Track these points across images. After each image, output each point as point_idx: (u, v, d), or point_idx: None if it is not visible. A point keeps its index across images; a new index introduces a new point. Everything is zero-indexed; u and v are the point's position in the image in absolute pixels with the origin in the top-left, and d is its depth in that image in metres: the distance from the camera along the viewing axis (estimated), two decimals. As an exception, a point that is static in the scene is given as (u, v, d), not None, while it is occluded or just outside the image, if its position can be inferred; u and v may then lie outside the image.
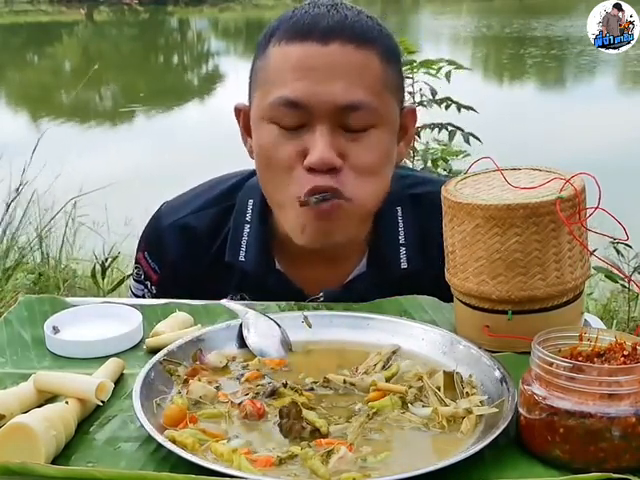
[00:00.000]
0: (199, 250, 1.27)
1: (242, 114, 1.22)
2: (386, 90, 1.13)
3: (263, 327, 1.03)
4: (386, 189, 1.18)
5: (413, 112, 1.23)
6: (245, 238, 1.24)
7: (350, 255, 1.24)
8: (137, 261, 1.33)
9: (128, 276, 3.15)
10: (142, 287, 1.32)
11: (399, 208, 1.24)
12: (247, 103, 1.20)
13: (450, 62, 3.26)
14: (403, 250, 1.23)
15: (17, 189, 3.49)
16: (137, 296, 1.32)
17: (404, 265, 1.23)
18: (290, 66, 1.10)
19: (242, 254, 1.24)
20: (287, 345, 1.02)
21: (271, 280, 1.24)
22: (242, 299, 1.22)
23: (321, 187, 1.09)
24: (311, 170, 1.10)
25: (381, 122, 1.12)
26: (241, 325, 1.03)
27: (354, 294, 1.19)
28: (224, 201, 1.28)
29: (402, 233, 1.24)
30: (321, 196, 1.09)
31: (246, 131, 1.22)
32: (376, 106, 1.10)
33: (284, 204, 1.14)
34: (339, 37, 1.08)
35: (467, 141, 3.24)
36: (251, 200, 1.26)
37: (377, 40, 1.13)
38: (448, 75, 3.23)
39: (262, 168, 1.16)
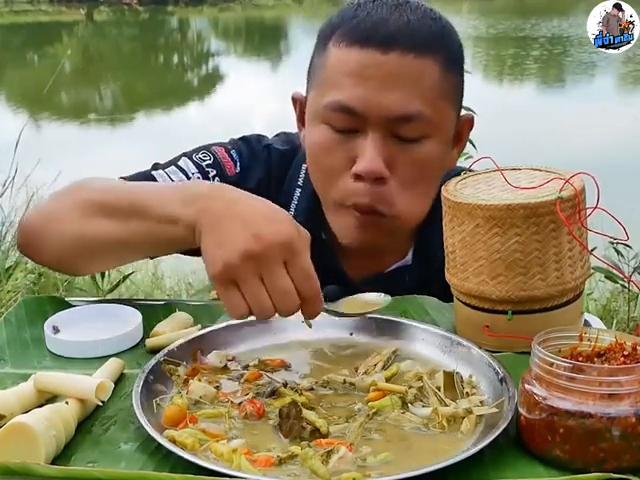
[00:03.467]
0: (270, 186, 1.25)
1: (298, 104, 1.22)
2: (443, 99, 1.12)
3: None
4: (432, 199, 1.17)
5: (470, 121, 1.22)
6: (295, 202, 1.24)
7: (395, 245, 1.24)
8: (209, 150, 1.27)
9: (127, 276, 3.15)
10: (196, 171, 1.23)
11: None
12: (304, 94, 1.20)
13: None
14: None
15: (4, 183, 3.48)
16: (170, 179, 1.22)
17: None
18: (348, 71, 1.09)
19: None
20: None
21: (315, 248, 1.21)
22: None
23: (361, 205, 1.11)
24: (358, 177, 1.10)
25: (435, 132, 1.11)
26: None
27: (396, 284, 1.18)
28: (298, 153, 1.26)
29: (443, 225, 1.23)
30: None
31: (301, 121, 1.22)
32: (430, 117, 1.09)
33: (328, 206, 1.16)
34: (399, 46, 1.07)
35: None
36: (304, 165, 1.25)
37: (439, 47, 1.11)
38: None
39: (312, 165, 1.18)
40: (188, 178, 1.22)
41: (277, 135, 1.35)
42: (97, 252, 1.07)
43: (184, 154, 1.27)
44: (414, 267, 1.25)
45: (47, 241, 1.10)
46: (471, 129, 1.23)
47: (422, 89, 1.09)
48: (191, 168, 1.24)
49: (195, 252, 1.28)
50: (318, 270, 1.22)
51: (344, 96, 1.08)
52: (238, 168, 1.26)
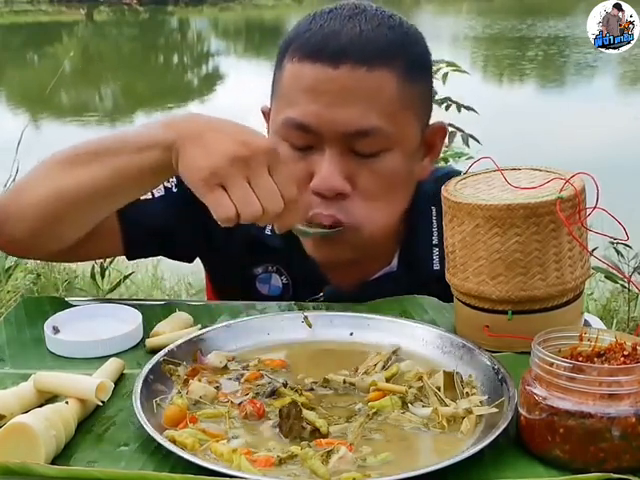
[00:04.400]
0: None
1: (268, 116, 1.19)
2: (403, 110, 1.09)
3: None
4: (400, 210, 1.16)
5: (441, 129, 1.19)
6: None
7: (380, 252, 1.22)
8: None
9: (127, 276, 3.16)
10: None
11: (433, 208, 1.20)
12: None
13: (450, 64, 3.24)
14: (436, 251, 1.20)
15: (6, 183, 3.49)
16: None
17: (436, 267, 1.19)
18: (300, 87, 1.07)
19: (268, 227, 1.20)
20: None
21: (297, 259, 1.21)
22: (278, 272, 1.23)
23: (322, 216, 1.09)
24: (317, 193, 1.08)
25: (395, 145, 1.09)
26: None
27: (382, 291, 1.16)
28: None
29: (436, 233, 1.20)
30: (321, 232, 1.09)
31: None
32: (388, 130, 1.07)
33: None
34: (350, 59, 1.04)
35: (467, 143, 3.23)
36: None
37: (396, 57, 1.07)
38: (445, 77, 3.21)
39: None
40: (167, 190, 1.20)
41: None
42: (79, 205, 1.05)
43: None
44: (399, 274, 1.22)
45: (17, 215, 1.08)
46: (444, 137, 1.21)
47: (378, 103, 1.06)
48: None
49: (192, 258, 1.28)
50: (301, 280, 1.21)
51: (298, 113, 1.07)
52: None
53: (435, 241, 1.20)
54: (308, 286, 1.21)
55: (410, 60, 1.10)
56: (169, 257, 1.30)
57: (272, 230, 1.19)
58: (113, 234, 1.19)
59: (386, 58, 1.06)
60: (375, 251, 1.20)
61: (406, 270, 1.22)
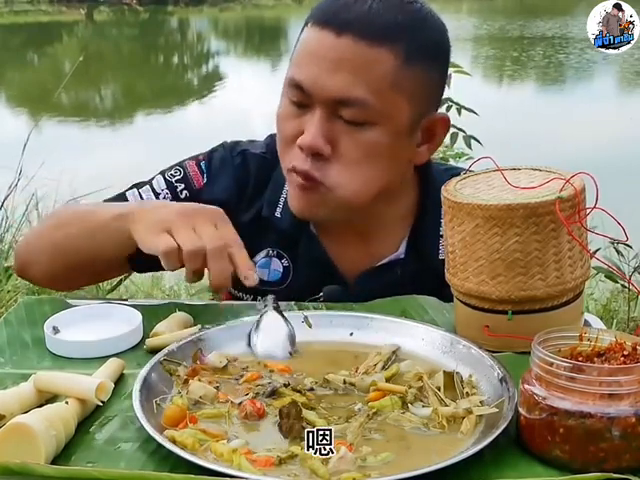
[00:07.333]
0: (251, 191, 1.28)
1: None
2: (395, 90, 1.11)
3: (271, 328, 1.03)
4: (379, 183, 1.17)
5: (444, 120, 1.21)
6: (283, 195, 1.26)
7: (386, 238, 1.25)
8: (181, 165, 1.31)
9: (127, 276, 3.15)
10: (165, 188, 1.28)
11: None
12: None
13: (452, 65, 3.23)
14: (442, 241, 1.22)
15: (10, 186, 3.48)
16: (141, 198, 1.27)
17: (442, 256, 1.20)
18: (306, 50, 1.13)
19: (279, 210, 1.26)
20: (293, 341, 1.02)
21: (303, 241, 1.26)
22: (279, 256, 1.26)
23: (299, 169, 1.14)
24: (300, 149, 1.13)
25: (380, 120, 1.11)
26: (251, 329, 1.03)
27: (388, 277, 1.21)
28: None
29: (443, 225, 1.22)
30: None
31: None
32: (374, 105, 1.10)
33: (285, 175, 1.19)
34: (353, 32, 1.08)
35: (469, 145, 3.22)
36: None
37: (400, 38, 1.10)
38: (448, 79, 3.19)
39: (277, 135, 1.21)
40: (157, 196, 1.27)
41: (270, 136, 1.35)
42: (72, 257, 1.21)
43: (161, 172, 1.31)
44: (406, 261, 1.25)
45: (35, 259, 1.26)
46: (446, 129, 1.22)
47: (370, 77, 1.09)
48: (161, 185, 1.28)
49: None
50: (308, 265, 1.23)
51: (297, 73, 1.13)
52: (205, 179, 1.29)
53: (442, 232, 1.21)
54: (314, 270, 1.24)
55: (415, 45, 1.12)
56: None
57: (282, 213, 1.25)
58: (121, 261, 1.24)
59: (388, 38, 1.10)
60: (383, 235, 1.24)
61: (413, 258, 1.25)
